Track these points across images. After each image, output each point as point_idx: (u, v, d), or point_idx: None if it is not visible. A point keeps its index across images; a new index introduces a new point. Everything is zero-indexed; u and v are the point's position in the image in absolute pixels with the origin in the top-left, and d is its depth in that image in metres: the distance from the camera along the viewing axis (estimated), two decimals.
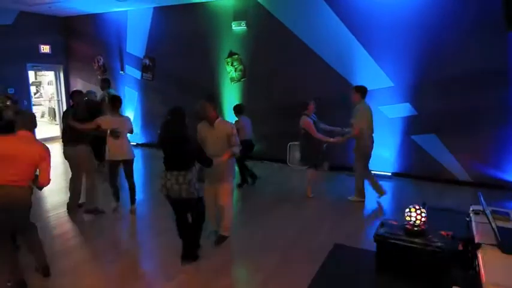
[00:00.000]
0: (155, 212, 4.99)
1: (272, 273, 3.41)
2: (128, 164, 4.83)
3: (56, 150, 8.81)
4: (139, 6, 8.60)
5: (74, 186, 4.80)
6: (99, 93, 7.40)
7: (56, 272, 3.37)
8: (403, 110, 6.32)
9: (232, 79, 7.92)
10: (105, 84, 7.37)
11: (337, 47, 6.69)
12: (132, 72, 9.32)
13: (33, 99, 10.57)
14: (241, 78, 7.83)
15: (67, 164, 4.88)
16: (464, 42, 5.71)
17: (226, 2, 7.69)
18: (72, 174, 4.81)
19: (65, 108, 10.57)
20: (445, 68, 5.87)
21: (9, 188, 2.98)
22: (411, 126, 6.31)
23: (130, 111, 9.38)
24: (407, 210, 3.11)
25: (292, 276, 3.36)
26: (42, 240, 3.40)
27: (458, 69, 5.78)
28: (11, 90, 9.04)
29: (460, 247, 2.80)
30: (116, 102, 4.81)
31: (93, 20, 9.67)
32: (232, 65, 7.86)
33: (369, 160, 5.20)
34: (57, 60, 10.30)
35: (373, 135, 5.11)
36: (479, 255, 2.12)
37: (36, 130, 3.62)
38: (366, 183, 5.29)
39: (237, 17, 7.59)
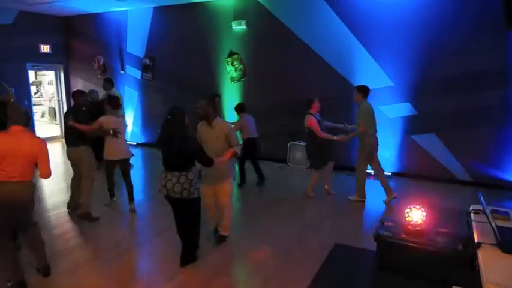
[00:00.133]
0: (155, 212, 4.99)
1: (272, 273, 3.42)
2: (126, 163, 4.92)
3: (57, 150, 8.82)
4: (139, 5, 8.60)
5: (75, 185, 4.80)
6: (101, 93, 7.39)
7: (56, 272, 3.37)
8: (403, 109, 6.32)
9: (232, 79, 7.93)
10: (108, 84, 7.36)
11: (337, 47, 6.69)
12: (132, 72, 9.33)
13: (34, 99, 10.58)
14: (242, 78, 7.83)
15: (67, 164, 4.88)
16: (464, 42, 5.71)
17: (226, 2, 7.69)
18: (74, 174, 4.82)
19: (65, 107, 10.58)
20: (445, 68, 5.88)
21: (9, 185, 2.96)
22: (411, 126, 6.31)
23: (131, 111, 9.38)
24: (407, 210, 3.11)
25: (292, 276, 3.37)
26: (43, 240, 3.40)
27: (458, 69, 5.79)
28: (11, 90, 9.03)
29: (460, 247, 2.81)
30: (116, 102, 4.84)
31: (93, 19, 9.68)
32: (232, 64, 7.87)
33: (376, 159, 5.15)
34: (57, 60, 10.30)
35: (376, 134, 5.11)
36: (479, 255, 2.12)
37: (37, 130, 3.62)
38: (371, 184, 5.28)
39: (237, 16, 7.59)
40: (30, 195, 3.14)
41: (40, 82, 13.21)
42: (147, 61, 9.01)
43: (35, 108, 10.31)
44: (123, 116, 7.53)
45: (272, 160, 7.51)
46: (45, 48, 9.93)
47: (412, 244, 2.91)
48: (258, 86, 7.63)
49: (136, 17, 8.93)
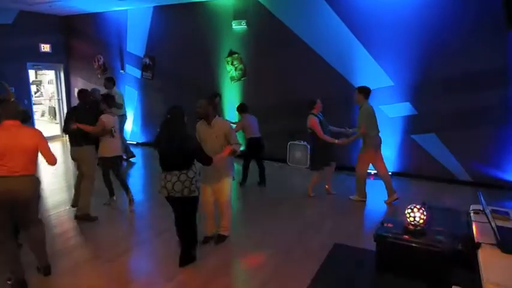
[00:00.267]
0: (155, 212, 4.99)
1: (272, 273, 3.41)
2: (118, 160, 5.01)
3: (57, 149, 8.82)
4: (139, 5, 8.60)
5: (79, 185, 4.79)
6: (103, 91, 7.38)
7: (56, 271, 3.37)
8: (403, 109, 6.32)
9: (232, 78, 7.93)
10: (109, 83, 7.35)
11: (337, 46, 6.69)
12: (132, 71, 9.33)
13: (34, 98, 10.58)
14: (242, 77, 7.83)
15: (68, 163, 4.90)
16: (464, 42, 5.70)
17: (226, 1, 7.69)
18: (78, 173, 4.85)
19: (65, 107, 10.59)
20: (445, 68, 5.87)
21: (12, 179, 2.95)
22: (411, 126, 6.31)
23: (131, 110, 9.38)
24: (407, 209, 3.11)
25: (292, 275, 3.37)
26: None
27: (458, 69, 5.78)
28: (11, 89, 9.03)
29: (460, 247, 2.80)
30: (111, 100, 4.92)
31: (93, 19, 9.67)
32: (232, 64, 7.86)
33: (381, 158, 5.15)
34: (58, 59, 10.30)
35: (379, 134, 5.10)
36: (479, 255, 2.12)
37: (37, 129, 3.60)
38: (372, 184, 5.28)
39: (237, 16, 7.58)
40: (34, 190, 3.13)
41: (40, 81, 13.20)
42: (147, 60, 9.01)
43: (35, 108, 10.31)
44: (124, 114, 7.58)
45: (272, 160, 7.50)
46: (46, 48, 9.93)
47: (412, 244, 2.91)
48: (258, 85, 7.63)
49: (137, 17, 8.92)
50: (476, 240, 2.32)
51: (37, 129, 3.21)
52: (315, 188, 5.54)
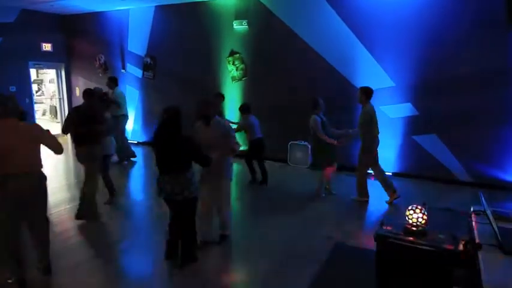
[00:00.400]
0: (156, 212, 4.98)
1: (273, 273, 3.41)
2: (107, 159, 5.06)
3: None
4: (140, 4, 8.60)
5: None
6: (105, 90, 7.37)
7: (56, 271, 3.37)
8: (404, 110, 6.31)
9: (233, 78, 7.92)
10: (112, 82, 7.36)
11: (338, 46, 6.68)
12: (134, 71, 9.33)
13: (35, 97, 10.58)
14: (243, 77, 7.83)
15: (68, 162, 4.89)
16: (465, 42, 5.69)
17: (227, 1, 7.69)
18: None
19: (66, 106, 10.61)
20: (446, 68, 5.86)
21: (19, 177, 2.95)
22: (412, 126, 6.30)
23: (132, 109, 9.38)
24: (408, 210, 3.10)
25: (292, 275, 3.36)
26: None
27: (459, 69, 5.77)
28: (12, 88, 9.06)
29: (461, 248, 2.79)
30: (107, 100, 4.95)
31: (94, 18, 9.68)
32: (233, 64, 7.86)
33: (377, 160, 5.17)
34: (59, 59, 10.31)
35: (378, 136, 5.10)
36: (480, 256, 2.12)
37: None
38: (373, 184, 5.29)
39: (239, 16, 7.58)
40: (41, 187, 3.14)
41: (41, 80, 13.22)
42: (148, 60, 9.01)
43: (36, 107, 10.32)
44: (125, 114, 7.57)
45: (273, 160, 7.50)
46: (47, 47, 9.94)
47: (412, 245, 2.90)
48: (259, 85, 7.62)
49: (138, 16, 8.92)
50: (477, 241, 2.31)
51: (35, 124, 3.20)
52: (313, 188, 5.53)
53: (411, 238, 3.00)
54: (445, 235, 2.98)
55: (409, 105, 6.26)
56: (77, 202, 4.96)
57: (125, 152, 7.44)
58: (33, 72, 10.55)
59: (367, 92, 5.00)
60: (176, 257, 3.47)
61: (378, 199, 5.33)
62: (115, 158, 7.28)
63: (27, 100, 9.44)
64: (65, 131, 4.58)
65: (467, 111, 5.81)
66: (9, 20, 9.00)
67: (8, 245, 3.05)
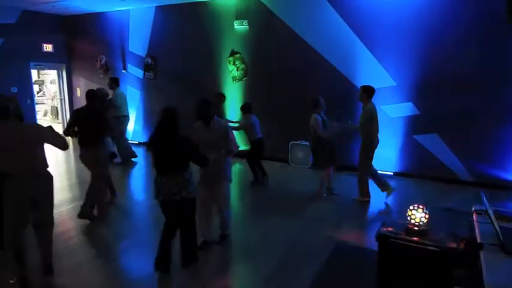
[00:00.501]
0: (156, 212, 4.97)
1: (273, 272, 3.41)
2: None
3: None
4: (141, 5, 8.61)
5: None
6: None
7: (58, 271, 3.37)
8: (405, 109, 6.30)
9: (234, 78, 7.92)
10: (113, 83, 7.36)
11: (339, 46, 6.67)
12: (135, 72, 9.34)
13: (36, 98, 10.60)
14: (243, 77, 7.83)
15: (69, 162, 4.90)
16: (466, 42, 5.68)
17: (228, 1, 7.69)
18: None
19: (67, 106, 10.63)
20: (447, 67, 5.85)
21: (27, 178, 2.98)
22: (413, 126, 6.29)
23: (133, 110, 9.39)
24: (409, 209, 3.09)
25: (293, 275, 3.36)
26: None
27: (461, 69, 5.76)
28: (13, 89, 9.08)
29: (462, 247, 2.79)
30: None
31: (95, 19, 9.69)
32: (234, 64, 7.86)
33: (372, 160, 5.18)
34: (60, 59, 10.33)
35: (378, 135, 5.10)
36: (482, 256, 2.11)
37: None
38: (375, 184, 5.29)
39: (239, 16, 7.58)
40: (47, 187, 3.16)
41: (43, 81, 13.25)
42: (149, 60, 9.02)
43: (37, 107, 10.34)
44: (127, 115, 7.58)
45: (274, 160, 7.50)
46: (48, 48, 9.96)
47: (413, 244, 2.89)
48: (260, 85, 7.62)
49: (139, 16, 8.93)
50: (478, 241, 2.31)
51: (36, 124, 3.21)
52: (314, 188, 5.53)
53: (413, 238, 3.00)
54: (446, 235, 2.98)
55: (410, 104, 6.25)
56: (78, 202, 4.99)
57: (125, 152, 7.46)
58: (34, 73, 10.58)
59: (369, 91, 5.00)
60: (166, 268, 3.34)
61: (379, 199, 5.32)
62: (118, 159, 7.31)
63: (28, 101, 9.46)
64: (66, 133, 4.56)
65: (469, 111, 5.80)
66: (11, 21, 9.02)
67: (13, 245, 3.07)
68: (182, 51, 8.43)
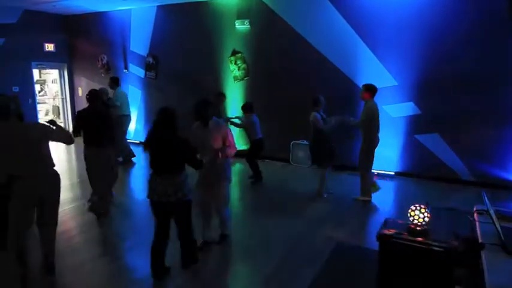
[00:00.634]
0: None
1: (273, 272, 3.41)
2: None
3: (60, 148, 8.86)
4: (142, 4, 8.61)
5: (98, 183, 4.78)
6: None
7: (60, 270, 3.38)
8: (406, 109, 6.29)
9: (235, 78, 7.92)
10: (114, 83, 7.37)
11: (340, 46, 6.66)
12: (136, 71, 9.35)
13: (38, 97, 10.62)
14: (245, 76, 7.83)
15: (71, 162, 4.91)
16: (468, 42, 5.66)
17: (230, 1, 7.68)
18: (95, 174, 4.80)
19: (69, 106, 10.65)
20: (449, 67, 5.83)
21: (27, 178, 2.98)
22: (415, 126, 6.28)
23: (134, 109, 9.41)
24: (410, 209, 3.09)
25: (294, 275, 3.36)
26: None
27: (462, 68, 5.74)
28: (15, 89, 9.11)
29: (463, 247, 2.78)
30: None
31: (97, 18, 9.70)
32: (235, 63, 7.86)
33: (373, 159, 5.17)
34: (62, 59, 10.35)
35: (378, 134, 5.09)
36: (483, 256, 2.11)
37: None
38: (377, 183, 5.29)
39: (241, 15, 7.58)
40: (54, 186, 3.19)
41: (44, 80, 13.26)
42: (151, 60, 9.03)
43: (39, 107, 10.36)
44: (128, 115, 7.58)
45: (275, 159, 7.50)
46: (50, 47, 9.98)
47: (415, 244, 2.89)
48: (261, 85, 7.62)
49: (140, 16, 8.94)
50: (480, 241, 2.31)
51: (37, 123, 3.22)
52: (313, 188, 5.52)
53: (414, 238, 2.99)
54: (448, 235, 2.97)
55: (411, 104, 6.24)
56: (79, 201, 5.03)
57: (125, 152, 7.47)
58: (36, 72, 10.59)
59: (371, 89, 4.99)
60: (159, 275, 3.31)
61: (381, 199, 5.32)
62: (120, 159, 7.31)
63: (30, 100, 9.48)
64: (74, 136, 4.58)
65: (470, 110, 5.78)
66: (12, 20, 9.03)
67: (17, 245, 3.08)
68: (183, 50, 8.44)
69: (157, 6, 8.61)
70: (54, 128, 3.24)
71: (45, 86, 13.33)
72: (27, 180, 2.97)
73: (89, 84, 9.94)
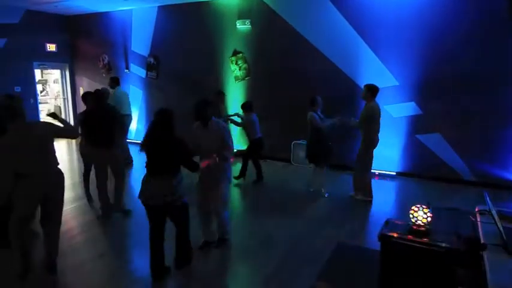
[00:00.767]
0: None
1: (274, 272, 3.41)
2: None
3: (62, 148, 8.88)
4: (143, 5, 8.63)
5: (106, 187, 4.77)
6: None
7: (61, 269, 3.39)
8: (408, 109, 6.28)
9: (236, 78, 7.92)
10: (114, 82, 7.38)
11: (342, 46, 6.66)
12: (137, 71, 9.36)
13: (40, 97, 10.64)
14: (246, 76, 7.83)
15: (72, 162, 4.92)
16: (469, 42, 5.65)
17: (230, 1, 7.69)
18: (102, 176, 4.78)
19: (71, 106, 10.66)
20: (450, 67, 5.82)
21: (42, 176, 3.01)
22: (416, 126, 6.26)
23: (135, 109, 9.42)
24: (412, 209, 3.08)
25: (294, 275, 3.36)
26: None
27: (463, 68, 5.73)
28: (17, 89, 9.13)
29: (466, 248, 2.77)
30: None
31: (98, 18, 9.72)
32: (236, 63, 7.86)
33: (372, 159, 5.16)
34: (63, 59, 10.37)
35: (379, 135, 5.08)
36: (485, 256, 2.10)
37: None
38: (377, 183, 5.28)
39: (242, 15, 7.58)
40: (58, 185, 3.20)
41: (46, 80, 13.27)
42: (152, 60, 9.04)
43: (41, 107, 10.37)
44: (129, 115, 7.58)
45: (275, 159, 7.50)
46: (51, 47, 10.01)
47: (416, 244, 2.88)
48: (262, 85, 7.62)
49: (141, 16, 8.95)
50: (482, 241, 2.30)
51: (41, 122, 3.24)
52: (315, 188, 5.51)
53: (416, 238, 2.98)
54: (449, 235, 2.96)
55: (412, 104, 6.22)
56: (81, 201, 5.06)
57: (125, 152, 7.46)
58: (37, 72, 10.61)
59: (373, 90, 4.98)
60: (159, 276, 3.30)
61: (382, 199, 5.31)
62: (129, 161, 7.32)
63: (32, 100, 9.51)
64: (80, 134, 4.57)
65: (472, 110, 5.77)
66: (14, 20, 9.06)
67: (20, 244, 3.09)
68: (184, 50, 8.44)
69: (159, 7, 8.62)
70: (58, 122, 3.26)
71: (47, 86, 13.35)
72: (34, 179, 2.98)
73: (90, 84, 9.97)
